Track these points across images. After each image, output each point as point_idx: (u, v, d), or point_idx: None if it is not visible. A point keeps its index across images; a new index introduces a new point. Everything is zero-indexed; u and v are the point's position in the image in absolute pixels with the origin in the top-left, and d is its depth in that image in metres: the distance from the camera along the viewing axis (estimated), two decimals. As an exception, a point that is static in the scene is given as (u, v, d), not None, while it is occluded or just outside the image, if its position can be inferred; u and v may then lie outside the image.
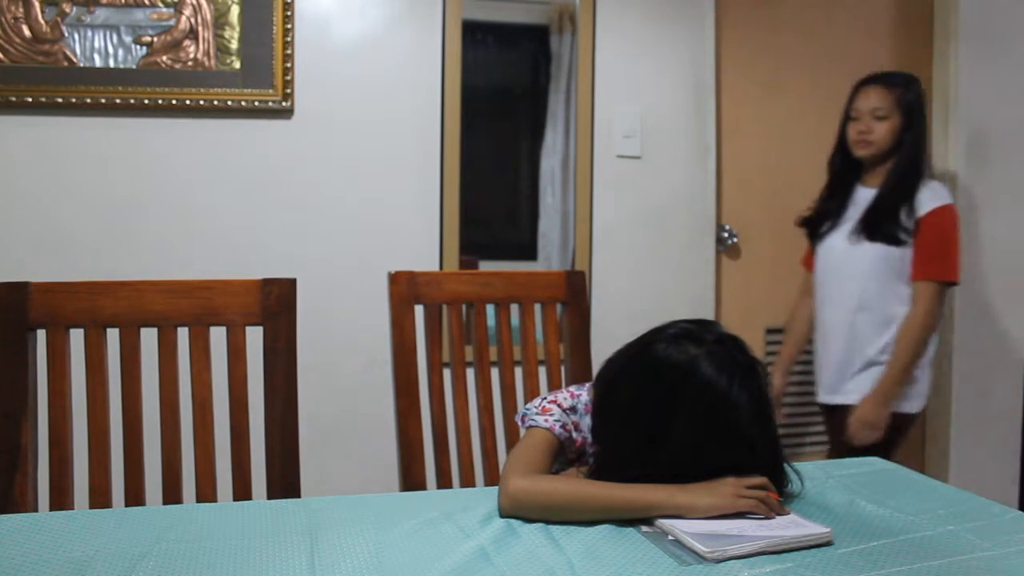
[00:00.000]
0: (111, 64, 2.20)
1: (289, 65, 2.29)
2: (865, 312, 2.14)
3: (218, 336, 1.45)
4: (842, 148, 2.24)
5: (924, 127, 2.19)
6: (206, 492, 1.42)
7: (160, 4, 2.22)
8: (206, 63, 2.25)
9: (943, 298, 2.12)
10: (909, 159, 2.14)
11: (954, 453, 2.84)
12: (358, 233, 2.38)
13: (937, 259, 2.10)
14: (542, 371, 1.75)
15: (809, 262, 2.36)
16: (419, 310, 1.66)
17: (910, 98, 2.16)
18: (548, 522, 1.11)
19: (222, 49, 2.26)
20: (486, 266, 2.53)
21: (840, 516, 1.15)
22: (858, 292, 2.14)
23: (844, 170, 2.24)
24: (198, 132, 2.28)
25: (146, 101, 2.22)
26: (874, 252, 2.12)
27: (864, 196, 2.18)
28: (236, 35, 2.26)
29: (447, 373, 1.70)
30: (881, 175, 2.17)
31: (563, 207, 2.58)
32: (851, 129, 2.19)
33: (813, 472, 1.33)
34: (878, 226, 2.12)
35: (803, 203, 2.87)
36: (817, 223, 2.28)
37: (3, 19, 2.14)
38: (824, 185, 2.30)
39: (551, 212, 2.60)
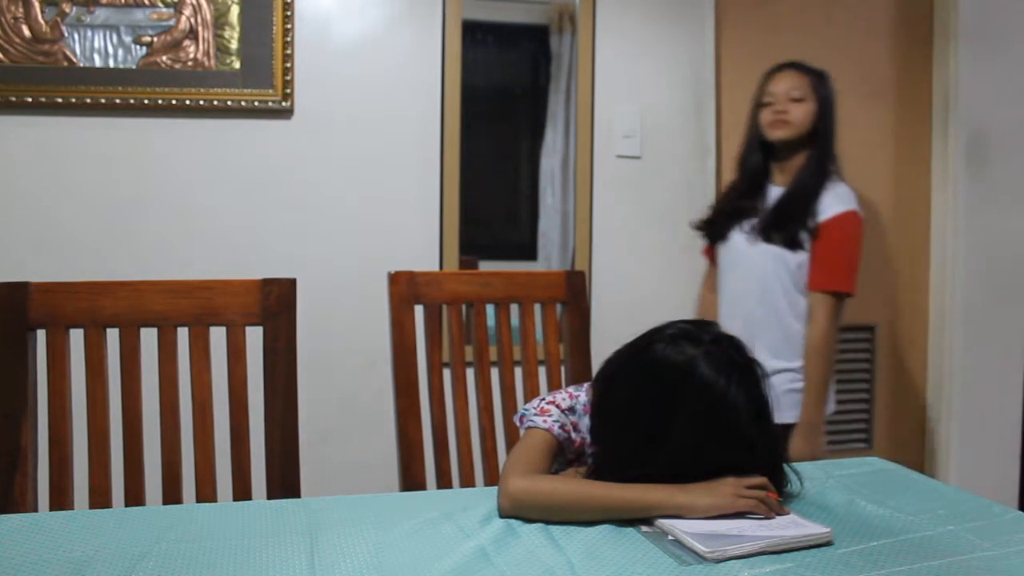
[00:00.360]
0: (111, 64, 2.20)
1: (289, 65, 2.29)
2: (762, 314, 2.07)
3: (218, 336, 1.45)
4: (754, 142, 2.15)
5: (835, 124, 2.14)
6: (206, 492, 1.42)
7: (160, 4, 2.22)
8: (206, 63, 2.25)
9: (839, 311, 2.05)
10: (821, 155, 2.09)
11: (954, 453, 2.84)
12: (358, 233, 2.38)
13: (832, 268, 2.01)
14: (542, 371, 1.75)
15: (710, 253, 2.29)
16: (419, 310, 1.66)
17: (825, 91, 2.12)
18: (548, 522, 1.11)
19: (222, 49, 2.26)
20: (486, 266, 2.53)
21: (840, 516, 1.15)
22: (757, 293, 2.08)
23: (759, 169, 2.15)
24: (198, 132, 2.28)
25: (146, 101, 2.22)
26: (771, 254, 2.05)
27: (776, 195, 2.12)
28: (236, 35, 2.26)
29: (447, 373, 1.70)
30: (790, 173, 2.11)
31: (563, 207, 2.58)
32: (765, 114, 2.11)
33: (813, 472, 1.33)
34: (777, 227, 2.04)
35: (803, 203, 2.86)
36: (723, 224, 2.17)
37: (3, 19, 2.14)
38: (730, 185, 2.25)
39: (551, 212, 2.60)
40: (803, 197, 2.05)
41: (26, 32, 2.15)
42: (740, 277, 2.12)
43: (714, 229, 2.21)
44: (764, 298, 2.07)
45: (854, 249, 2.04)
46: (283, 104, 2.29)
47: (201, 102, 2.25)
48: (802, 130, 2.08)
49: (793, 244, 2.02)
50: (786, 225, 2.03)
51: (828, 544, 1.05)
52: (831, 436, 2.84)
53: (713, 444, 1.13)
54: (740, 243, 2.12)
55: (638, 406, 1.17)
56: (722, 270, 2.20)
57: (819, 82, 2.11)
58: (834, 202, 2.03)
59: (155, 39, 2.22)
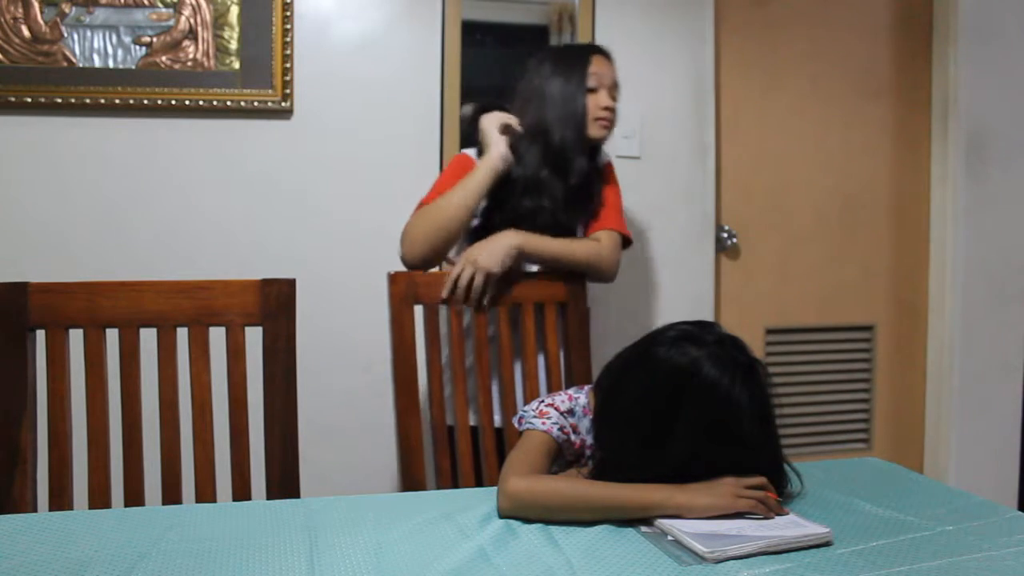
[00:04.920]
0: (110, 64, 2.20)
1: (288, 65, 2.29)
2: None
3: (217, 336, 1.45)
4: (580, 132, 1.83)
5: None
6: (205, 492, 1.42)
7: (159, 4, 2.22)
8: (205, 63, 2.25)
9: None
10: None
11: (954, 453, 2.84)
12: (358, 233, 2.38)
13: None
14: (541, 372, 1.75)
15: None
16: (418, 310, 1.66)
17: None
18: (547, 522, 1.11)
19: (221, 49, 2.26)
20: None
21: (840, 516, 1.15)
22: None
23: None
24: (198, 132, 2.28)
25: (145, 101, 2.22)
26: None
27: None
28: (235, 35, 2.26)
29: (447, 373, 1.70)
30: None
31: (563, 207, 2.58)
32: (590, 101, 1.83)
33: (813, 472, 1.33)
34: None
35: (803, 203, 2.87)
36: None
37: (2, 19, 2.14)
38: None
39: (551, 212, 2.59)
40: None
41: (26, 32, 2.15)
42: None
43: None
44: None
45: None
46: (283, 104, 2.29)
47: (201, 102, 2.25)
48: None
49: None
50: None
51: (828, 544, 1.05)
52: (831, 436, 2.85)
53: (716, 444, 1.13)
54: None
55: (642, 408, 1.17)
56: None
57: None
58: None
59: (154, 39, 2.22)
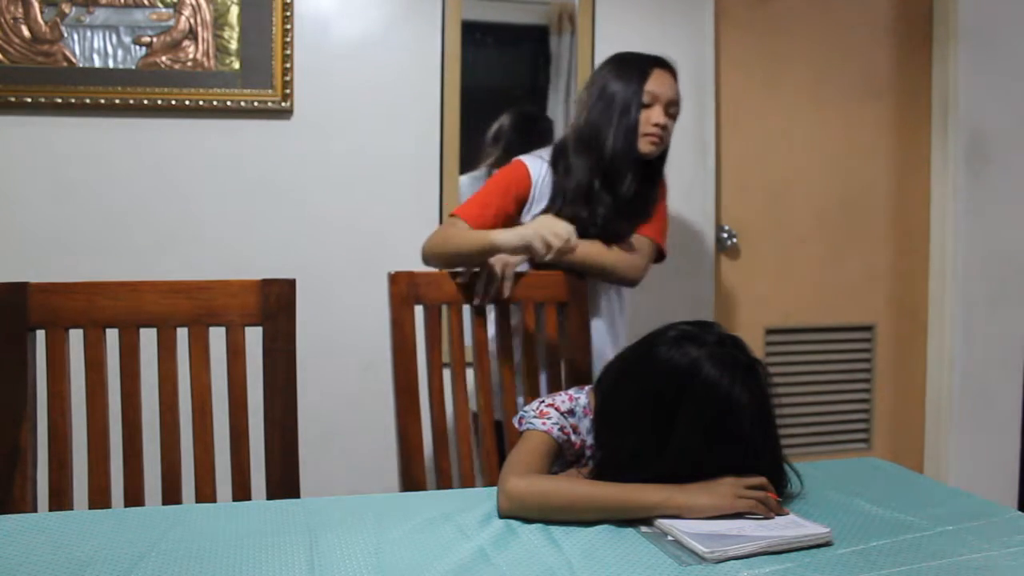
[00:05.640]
0: (110, 64, 2.20)
1: (288, 65, 2.29)
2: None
3: (217, 336, 1.45)
4: (631, 148, 1.82)
5: None
6: (205, 493, 1.42)
7: (159, 4, 2.22)
8: (205, 63, 2.25)
9: None
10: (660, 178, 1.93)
11: (954, 453, 2.84)
12: (358, 233, 2.38)
13: None
14: (542, 371, 1.75)
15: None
16: (419, 310, 1.66)
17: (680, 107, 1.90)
18: (547, 522, 1.11)
19: (221, 49, 2.26)
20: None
21: (840, 516, 1.16)
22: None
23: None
24: (198, 132, 2.28)
25: (145, 101, 2.22)
26: None
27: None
28: (235, 35, 2.26)
29: (447, 373, 1.70)
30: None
31: (563, 207, 2.58)
32: (642, 116, 1.82)
33: (813, 472, 1.33)
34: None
35: (803, 203, 2.87)
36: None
37: (2, 19, 2.14)
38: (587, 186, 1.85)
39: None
40: None
41: (26, 32, 2.15)
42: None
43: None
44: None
45: None
46: (282, 104, 2.29)
47: (201, 102, 2.25)
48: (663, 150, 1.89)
49: None
50: None
51: (827, 544, 1.05)
52: (831, 436, 2.85)
53: (716, 444, 1.13)
54: None
55: (643, 408, 1.17)
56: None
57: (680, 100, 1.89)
58: None
59: (154, 39, 2.22)
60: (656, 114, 1.81)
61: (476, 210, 1.81)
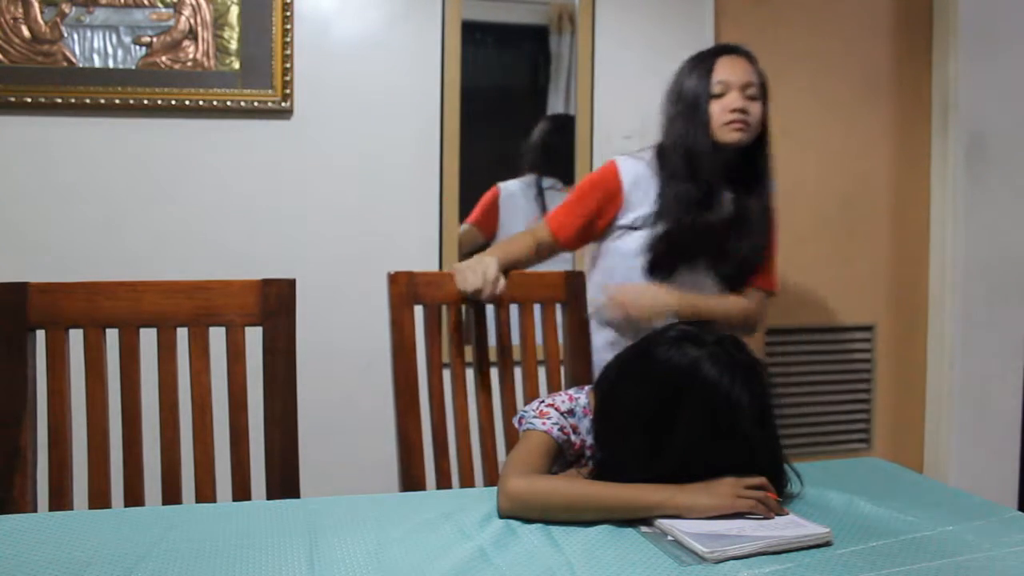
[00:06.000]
0: (110, 64, 2.20)
1: (288, 65, 2.29)
2: None
3: (217, 336, 1.45)
4: (706, 144, 1.77)
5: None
6: (205, 493, 1.42)
7: (159, 4, 2.22)
8: (205, 63, 2.25)
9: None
10: (768, 166, 1.84)
11: (954, 453, 2.84)
12: (358, 233, 2.38)
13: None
14: (541, 372, 1.75)
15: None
16: (419, 310, 1.66)
17: (767, 86, 1.82)
18: (547, 522, 1.11)
19: (221, 49, 2.26)
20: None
21: (840, 516, 1.15)
22: None
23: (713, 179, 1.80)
24: (198, 132, 2.28)
25: (145, 101, 2.22)
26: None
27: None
28: (235, 35, 2.26)
29: (447, 373, 1.70)
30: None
31: (563, 207, 2.58)
32: (716, 106, 1.76)
33: (813, 472, 1.33)
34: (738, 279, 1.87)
35: (803, 203, 2.87)
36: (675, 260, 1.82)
37: (2, 20, 2.14)
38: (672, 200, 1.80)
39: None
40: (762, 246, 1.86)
41: (25, 32, 2.15)
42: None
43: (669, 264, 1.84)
44: None
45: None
46: (282, 104, 2.29)
47: (200, 102, 2.25)
48: (755, 135, 1.80)
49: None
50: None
51: (827, 544, 1.05)
52: (831, 436, 2.85)
53: (716, 444, 1.13)
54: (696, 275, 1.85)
55: (642, 409, 1.17)
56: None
57: (765, 81, 1.82)
58: None
59: (154, 39, 2.22)
60: (732, 100, 1.75)
61: (560, 214, 1.84)
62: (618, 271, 1.85)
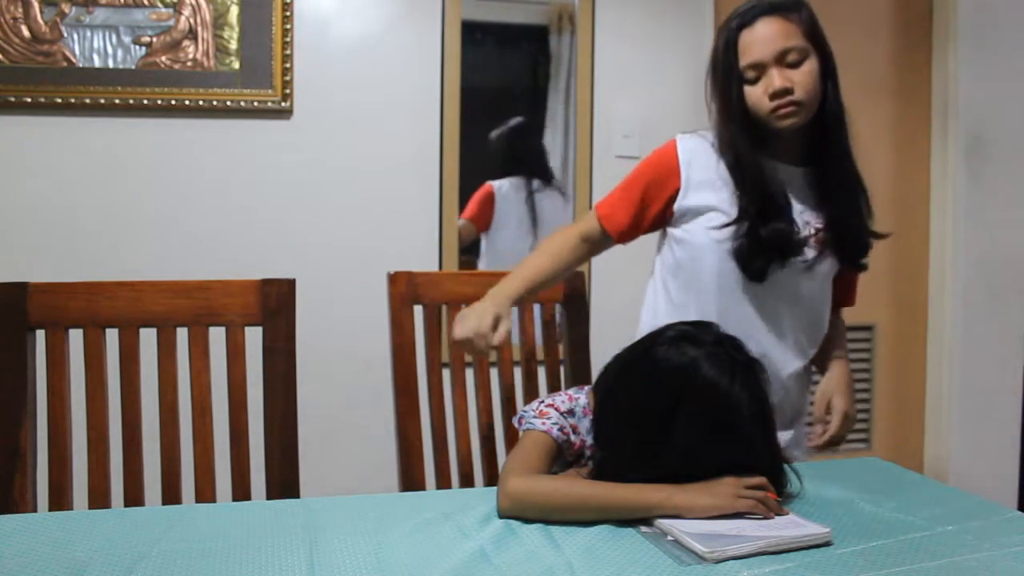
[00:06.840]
0: (110, 64, 2.20)
1: (288, 65, 2.29)
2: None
3: (217, 336, 1.45)
4: (743, 127, 1.45)
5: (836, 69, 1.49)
6: (205, 492, 1.42)
7: (159, 4, 2.22)
8: (205, 63, 2.25)
9: None
10: (841, 125, 1.51)
11: (954, 453, 2.84)
12: (358, 233, 2.38)
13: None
14: (541, 372, 1.75)
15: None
16: (418, 310, 1.66)
17: (816, 26, 1.45)
18: (547, 522, 1.11)
19: (221, 49, 2.26)
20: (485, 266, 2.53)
21: (840, 516, 1.15)
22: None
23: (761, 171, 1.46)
24: (198, 132, 2.28)
25: (145, 101, 2.22)
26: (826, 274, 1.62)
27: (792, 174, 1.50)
28: (235, 35, 2.26)
29: (446, 373, 1.70)
30: (791, 154, 1.50)
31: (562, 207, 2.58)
32: (753, 93, 1.42)
33: (813, 472, 1.33)
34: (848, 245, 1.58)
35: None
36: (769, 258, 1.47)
37: (2, 19, 2.14)
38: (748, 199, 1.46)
39: (551, 212, 2.59)
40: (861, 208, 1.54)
41: (25, 32, 2.15)
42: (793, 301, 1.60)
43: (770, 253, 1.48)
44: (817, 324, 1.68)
45: None
46: (282, 104, 2.29)
47: (200, 102, 2.25)
48: (815, 107, 1.46)
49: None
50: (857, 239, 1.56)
51: (827, 544, 1.05)
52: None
53: (715, 444, 1.13)
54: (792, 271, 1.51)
55: (641, 409, 1.17)
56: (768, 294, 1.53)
57: (807, 17, 1.44)
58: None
59: (154, 39, 2.22)
60: (773, 80, 1.39)
61: (611, 201, 1.55)
62: (705, 261, 1.51)
